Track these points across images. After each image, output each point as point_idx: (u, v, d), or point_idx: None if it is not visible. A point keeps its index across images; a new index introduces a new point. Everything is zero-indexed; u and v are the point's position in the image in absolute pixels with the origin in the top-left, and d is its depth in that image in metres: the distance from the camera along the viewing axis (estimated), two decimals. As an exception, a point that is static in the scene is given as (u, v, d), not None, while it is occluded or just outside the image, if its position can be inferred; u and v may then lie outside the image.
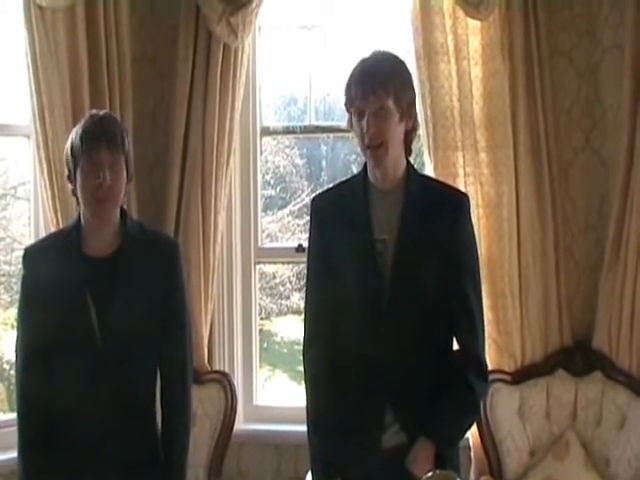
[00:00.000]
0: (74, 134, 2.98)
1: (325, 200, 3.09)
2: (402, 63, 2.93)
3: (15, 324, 6.25)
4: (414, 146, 3.03)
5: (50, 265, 2.99)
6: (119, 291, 2.97)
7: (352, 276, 2.91)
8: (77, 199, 3.02)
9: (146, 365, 3.07)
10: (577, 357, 4.18)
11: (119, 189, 2.96)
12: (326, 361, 3.00)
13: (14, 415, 4.20)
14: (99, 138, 2.92)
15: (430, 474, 2.31)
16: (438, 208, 2.89)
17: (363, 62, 2.89)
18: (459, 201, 2.98)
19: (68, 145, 2.99)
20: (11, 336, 6.13)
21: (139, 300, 2.99)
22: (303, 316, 3.15)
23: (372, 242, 2.88)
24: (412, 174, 2.96)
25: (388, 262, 2.86)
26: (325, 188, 3.26)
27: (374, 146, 2.84)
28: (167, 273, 3.08)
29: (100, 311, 2.95)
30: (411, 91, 2.90)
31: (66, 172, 3.03)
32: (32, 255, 3.11)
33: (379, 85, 2.80)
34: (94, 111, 3.11)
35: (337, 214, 2.98)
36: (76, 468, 2.96)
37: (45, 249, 3.11)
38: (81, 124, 2.99)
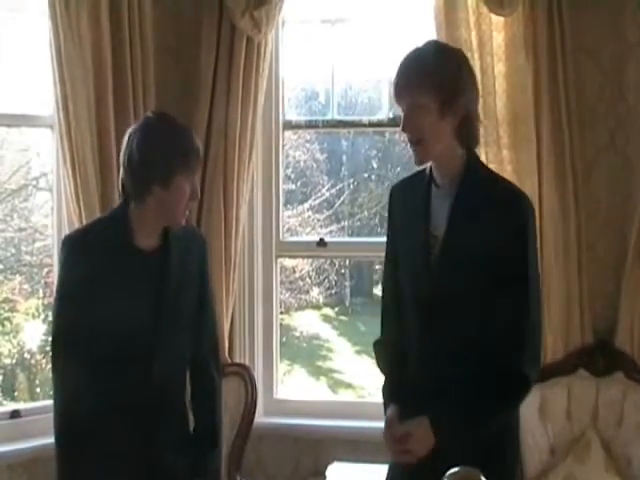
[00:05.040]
0: (169, 141, 2.96)
1: (397, 190, 3.06)
2: (444, 55, 2.81)
3: (36, 314, 6.29)
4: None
5: (102, 256, 2.98)
6: (169, 284, 3.03)
7: (408, 270, 2.90)
8: (143, 195, 2.99)
9: (184, 358, 3.15)
10: (598, 357, 4.15)
11: None
12: (391, 356, 3.04)
13: (35, 404, 4.24)
14: (199, 155, 3.03)
15: (453, 471, 2.30)
16: (490, 205, 2.75)
17: (405, 56, 2.82)
18: (515, 200, 2.78)
19: (157, 150, 2.95)
20: (32, 326, 6.19)
21: (183, 293, 3.06)
22: None
23: (427, 237, 2.82)
24: (471, 168, 2.83)
25: (436, 259, 2.80)
26: (404, 177, 3.17)
27: (413, 142, 2.80)
28: (200, 266, 3.18)
29: (153, 303, 2.99)
30: (454, 83, 2.74)
31: (142, 170, 2.96)
32: (79, 244, 3.08)
33: (412, 81, 2.75)
34: (162, 115, 3.11)
35: (404, 206, 2.96)
36: (116, 461, 2.96)
37: (93, 239, 3.06)
38: (177, 133, 3.00)
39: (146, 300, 2.99)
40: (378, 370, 3.10)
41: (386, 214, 3.13)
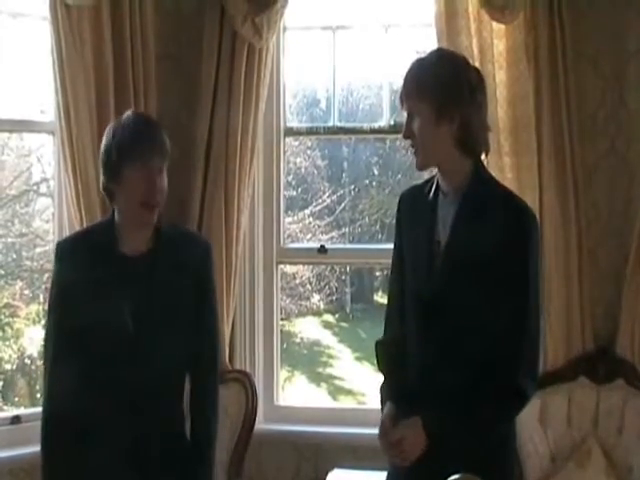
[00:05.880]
0: (116, 135, 2.96)
1: (405, 198, 3.08)
2: (442, 62, 2.82)
3: (37, 319, 6.30)
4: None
5: (86, 261, 3.00)
6: (155, 289, 3.01)
7: (412, 276, 2.92)
8: (109, 197, 3.04)
9: (178, 363, 3.10)
10: (599, 364, 4.14)
11: (165, 194, 3.01)
12: (392, 356, 3.04)
13: (36, 410, 4.24)
14: (153, 144, 2.95)
15: (453, 478, 2.30)
16: (493, 214, 2.76)
17: (410, 64, 2.85)
18: (517, 210, 2.80)
19: (109, 145, 2.97)
20: (33, 331, 6.20)
21: (174, 298, 3.03)
22: None
23: (431, 244, 2.85)
24: (477, 178, 2.83)
25: (439, 265, 2.82)
26: (414, 184, 3.16)
27: (413, 148, 2.83)
28: (200, 271, 3.12)
29: (136, 309, 2.97)
30: (449, 90, 2.74)
31: (101, 171, 3.02)
32: (67, 249, 3.12)
33: (410, 88, 2.79)
34: (133, 112, 3.12)
35: (411, 213, 2.98)
36: (105, 465, 2.96)
37: (80, 245, 3.12)
38: (126, 126, 2.98)
39: (129, 304, 2.96)
40: (378, 371, 3.11)
41: (387, 221, 3.17)
